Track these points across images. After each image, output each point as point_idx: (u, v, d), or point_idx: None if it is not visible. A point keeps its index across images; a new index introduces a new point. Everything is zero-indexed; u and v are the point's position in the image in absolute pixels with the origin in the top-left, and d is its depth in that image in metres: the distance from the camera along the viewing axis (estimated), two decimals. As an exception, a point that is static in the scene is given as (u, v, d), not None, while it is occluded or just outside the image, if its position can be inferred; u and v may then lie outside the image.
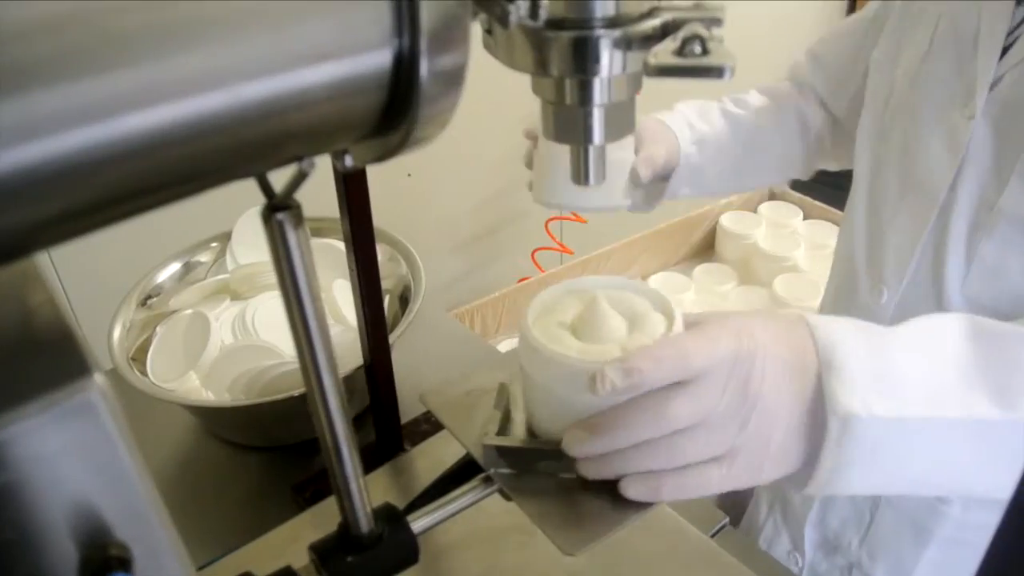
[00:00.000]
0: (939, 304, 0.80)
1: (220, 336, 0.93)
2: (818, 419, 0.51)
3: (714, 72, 0.38)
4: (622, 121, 0.47)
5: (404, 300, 1.02)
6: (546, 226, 1.84)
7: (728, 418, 0.50)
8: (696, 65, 0.39)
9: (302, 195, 0.41)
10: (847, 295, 0.92)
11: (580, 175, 0.49)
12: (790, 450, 0.52)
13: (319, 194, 0.60)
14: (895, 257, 0.84)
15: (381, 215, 1.16)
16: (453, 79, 0.34)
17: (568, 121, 0.46)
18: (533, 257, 1.87)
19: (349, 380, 0.88)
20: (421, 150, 1.28)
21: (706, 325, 0.52)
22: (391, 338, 0.85)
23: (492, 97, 1.30)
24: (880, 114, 0.88)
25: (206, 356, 0.89)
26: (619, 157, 0.84)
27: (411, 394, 0.91)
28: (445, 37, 0.32)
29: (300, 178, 0.37)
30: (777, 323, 0.53)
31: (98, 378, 0.31)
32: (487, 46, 0.47)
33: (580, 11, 0.43)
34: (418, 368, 0.99)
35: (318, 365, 0.46)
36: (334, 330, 0.95)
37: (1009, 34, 0.73)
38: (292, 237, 0.41)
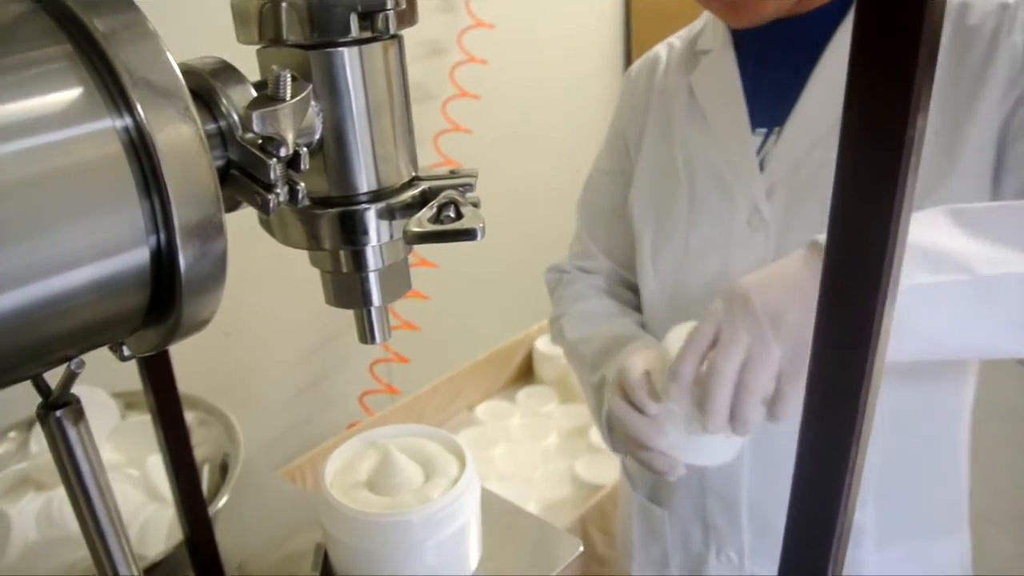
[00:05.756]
0: None
1: (23, 533, 0.87)
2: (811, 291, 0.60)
3: (467, 235, 0.42)
4: (398, 281, 0.50)
5: (226, 466, 1.00)
6: (371, 369, 1.84)
7: (759, 338, 0.62)
8: (451, 230, 0.43)
9: (111, 367, 0.41)
10: None
11: (366, 336, 0.51)
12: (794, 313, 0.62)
13: (128, 365, 0.60)
14: None
15: (200, 379, 1.13)
16: (214, 268, 0.36)
17: (347, 288, 0.49)
18: (362, 401, 1.86)
19: (173, 559, 0.85)
20: (239, 307, 1.28)
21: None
22: (211, 510, 0.83)
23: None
24: (660, 248, 0.95)
25: (7, 559, 0.83)
26: None
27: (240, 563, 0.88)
28: (200, 231, 0.34)
29: (71, 377, 0.38)
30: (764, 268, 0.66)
31: None
32: (262, 224, 0.50)
33: (344, 188, 0.46)
34: (245, 536, 0.96)
35: (114, 563, 0.45)
36: (150, 508, 0.91)
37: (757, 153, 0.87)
38: (72, 434, 0.41)
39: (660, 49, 1.04)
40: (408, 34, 0.46)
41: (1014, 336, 0.62)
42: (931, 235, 0.63)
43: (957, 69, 0.78)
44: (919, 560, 0.93)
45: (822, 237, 0.64)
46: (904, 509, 0.91)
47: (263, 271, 1.51)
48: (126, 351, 0.41)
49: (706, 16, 0.98)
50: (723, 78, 0.91)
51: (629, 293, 1.07)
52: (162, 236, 0.34)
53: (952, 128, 0.77)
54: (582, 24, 2.30)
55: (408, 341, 1.86)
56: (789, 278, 0.64)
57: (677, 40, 1.03)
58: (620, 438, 0.78)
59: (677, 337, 0.70)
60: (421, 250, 1.88)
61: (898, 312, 0.59)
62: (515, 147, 2.12)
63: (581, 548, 0.62)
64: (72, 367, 0.36)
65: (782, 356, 0.62)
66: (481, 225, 0.42)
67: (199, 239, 0.34)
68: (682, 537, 1.01)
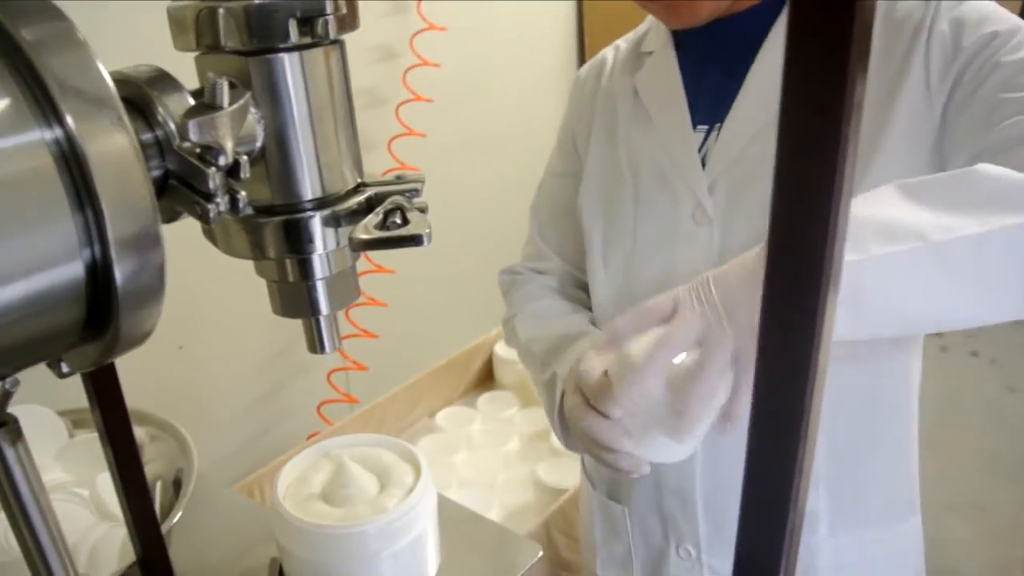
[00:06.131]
0: None
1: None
2: None
3: (413, 240, 0.42)
4: (346, 289, 0.50)
5: (180, 482, 0.98)
6: (329, 378, 1.82)
7: (713, 323, 0.62)
8: (396, 236, 0.42)
9: (57, 384, 0.40)
10: None
11: (315, 345, 0.50)
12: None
13: (75, 383, 0.58)
14: None
15: (153, 393, 1.11)
16: (152, 280, 0.35)
17: (294, 297, 0.48)
18: (320, 411, 1.84)
19: (126, 580, 0.83)
20: (192, 319, 1.26)
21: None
22: (164, 528, 0.81)
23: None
24: (612, 244, 0.97)
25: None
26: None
27: (195, 582, 0.87)
28: (137, 243, 0.33)
29: (6, 396, 0.37)
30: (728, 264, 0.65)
31: None
32: (206, 235, 0.49)
33: (288, 196, 0.45)
34: (199, 553, 0.94)
35: (57, 583, 0.43)
36: (101, 528, 0.89)
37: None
38: (10, 454, 0.40)
39: (607, 52, 1.06)
40: (359, 38, 0.46)
41: (971, 302, 0.63)
42: (880, 209, 0.63)
43: (883, 62, 0.80)
44: (873, 546, 0.94)
45: None
46: (855, 493, 0.92)
47: (216, 281, 1.49)
48: (64, 367, 0.40)
49: (651, 19, 1.00)
50: (665, 78, 0.93)
51: (582, 293, 1.08)
52: (96, 249, 0.33)
53: (875, 119, 0.79)
54: (535, 26, 2.31)
55: (366, 349, 1.85)
56: (747, 270, 0.64)
57: (623, 42, 1.05)
58: (579, 439, 0.78)
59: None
60: (378, 256, 1.86)
61: (855, 288, 0.59)
62: (470, 150, 2.11)
63: (540, 553, 0.62)
64: (7, 386, 0.35)
65: (737, 347, 0.62)
66: (427, 231, 0.42)
67: (135, 251, 0.33)
68: (642, 533, 1.02)
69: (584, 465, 1.14)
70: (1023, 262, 0.60)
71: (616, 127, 0.98)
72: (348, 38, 0.46)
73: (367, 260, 1.82)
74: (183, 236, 0.48)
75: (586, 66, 1.08)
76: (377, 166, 1.93)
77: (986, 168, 0.64)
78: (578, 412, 0.74)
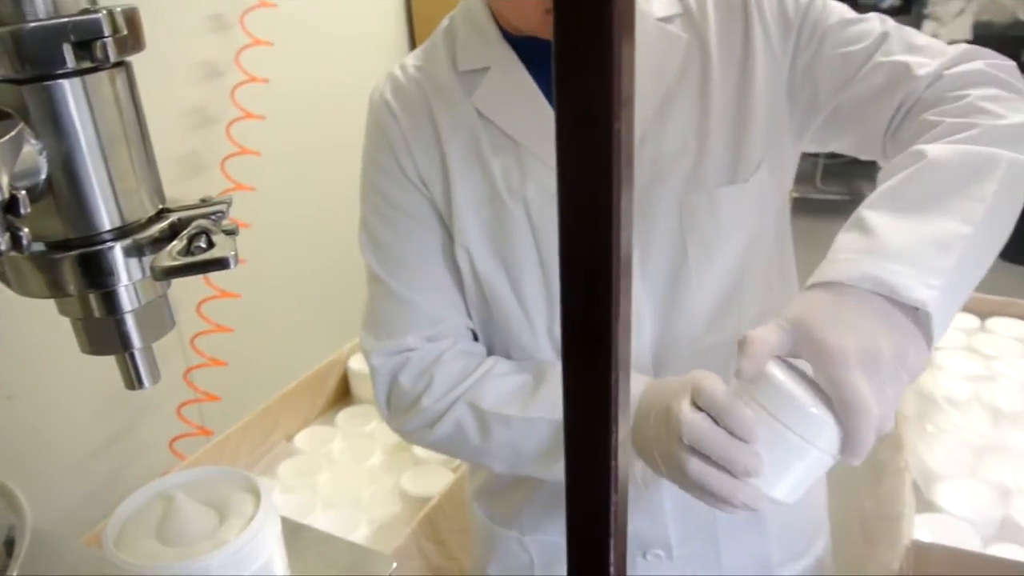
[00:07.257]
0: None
1: None
2: (899, 326, 0.65)
3: (219, 264, 0.41)
4: (159, 319, 0.48)
5: (13, 542, 0.91)
6: (179, 412, 1.75)
7: (899, 384, 0.63)
8: (201, 260, 0.41)
9: None
10: None
11: (132, 382, 0.48)
12: (909, 348, 0.65)
13: None
14: None
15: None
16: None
17: (102, 334, 0.46)
18: (172, 447, 1.76)
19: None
20: (21, 366, 1.18)
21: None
22: (-4, 592, 0.76)
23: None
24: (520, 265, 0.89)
25: None
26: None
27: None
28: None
29: None
30: (815, 297, 0.67)
31: None
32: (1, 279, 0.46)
33: (82, 228, 0.43)
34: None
35: None
36: (-76, 602, 0.82)
37: None
38: None
39: (409, 73, 0.93)
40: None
41: (997, 246, 0.72)
42: (911, 233, 0.69)
43: (727, 42, 0.85)
44: None
45: (831, 273, 0.67)
46: None
47: (42, 324, 1.40)
48: None
49: (456, 34, 0.91)
50: (520, 95, 0.87)
51: (480, 347, 0.97)
52: None
53: (737, 96, 0.85)
54: (363, 37, 2.29)
55: (216, 377, 1.78)
56: (866, 315, 0.65)
57: (420, 62, 0.93)
58: (697, 466, 0.66)
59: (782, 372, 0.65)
60: (221, 281, 1.80)
61: (950, 295, 0.66)
62: (306, 165, 2.07)
63: (395, 565, 0.61)
64: None
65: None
66: (233, 252, 0.41)
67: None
68: None
69: (483, 512, 1.05)
70: (1014, 201, 0.73)
71: (480, 154, 0.88)
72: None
73: (209, 286, 1.75)
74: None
75: (385, 89, 0.93)
76: (210, 187, 1.86)
77: (931, 153, 0.72)
78: (712, 432, 0.65)
